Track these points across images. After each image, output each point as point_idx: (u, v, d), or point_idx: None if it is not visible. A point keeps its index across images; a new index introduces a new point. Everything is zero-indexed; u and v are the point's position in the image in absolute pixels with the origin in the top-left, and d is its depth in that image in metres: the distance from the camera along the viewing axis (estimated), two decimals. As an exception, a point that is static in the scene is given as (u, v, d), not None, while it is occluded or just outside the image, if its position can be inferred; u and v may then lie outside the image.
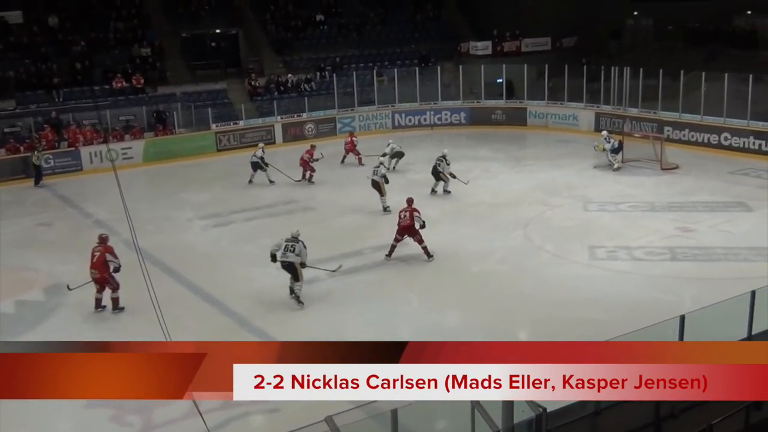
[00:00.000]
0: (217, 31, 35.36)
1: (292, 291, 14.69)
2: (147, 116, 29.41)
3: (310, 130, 31.20)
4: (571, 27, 36.42)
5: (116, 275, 14.29)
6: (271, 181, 24.12)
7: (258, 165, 24.20)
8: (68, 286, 15.01)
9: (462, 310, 14.32)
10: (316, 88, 33.30)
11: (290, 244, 14.58)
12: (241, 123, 30.24)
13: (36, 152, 25.34)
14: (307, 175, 24.23)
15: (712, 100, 26.24)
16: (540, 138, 30.25)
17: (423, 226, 16.59)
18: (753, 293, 10.76)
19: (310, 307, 14.59)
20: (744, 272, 15.04)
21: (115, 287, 14.38)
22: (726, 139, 25.88)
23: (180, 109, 29.94)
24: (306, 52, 35.48)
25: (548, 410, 8.54)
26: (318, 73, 34.07)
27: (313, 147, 24.90)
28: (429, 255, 16.53)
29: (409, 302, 14.82)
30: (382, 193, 20.51)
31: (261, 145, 25.33)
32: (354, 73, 33.00)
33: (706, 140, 26.39)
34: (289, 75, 33.43)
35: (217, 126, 29.69)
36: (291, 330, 13.50)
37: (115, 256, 14.32)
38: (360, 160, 26.11)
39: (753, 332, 10.91)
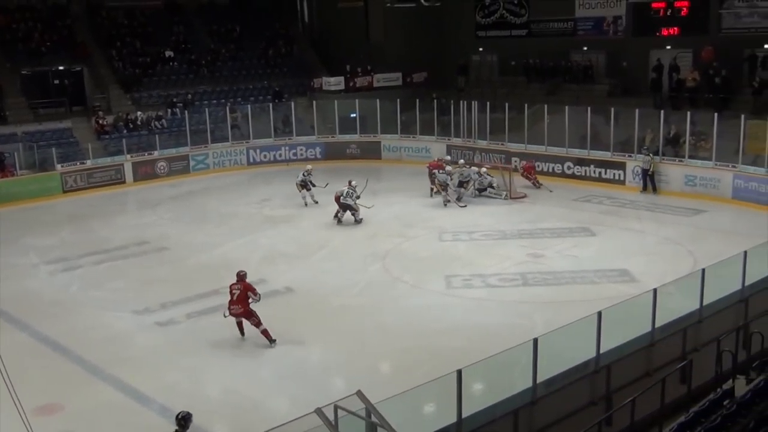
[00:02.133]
0: (61, 67, 34.01)
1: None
2: (-15, 158, 27.83)
3: (162, 168, 30.44)
4: (420, 63, 37.41)
5: None
6: (315, 202, 24.47)
7: (305, 184, 24.49)
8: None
9: (322, 347, 14.23)
10: (167, 125, 32.55)
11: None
12: (89, 162, 29.08)
13: None
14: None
15: (555, 131, 27.57)
16: (394, 171, 30.75)
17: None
18: (599, 314, 11.29)
19: (169, 352, 14.13)
20: (590, 294, 15.76)
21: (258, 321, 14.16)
22: (569, 168, 27.20)
23: (21, 149, 28.51)
24: (155, 88, 34.67)
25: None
26: (169, 110, 33.34)
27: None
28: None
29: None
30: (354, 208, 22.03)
31: (309, 166, 25.62)
32: (206, 109, 32.52)
33: (551, 169, 27.64)
34: (139, 112, 32.53)
35: (62, 166, 28.42)
36: (148, 378, 13.01)
37: (255, 293, 14.23)
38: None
39: (601, 351, 11.44)
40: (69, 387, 12.80)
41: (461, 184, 24.44)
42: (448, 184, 24.05)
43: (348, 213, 22.04)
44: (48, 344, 14.62)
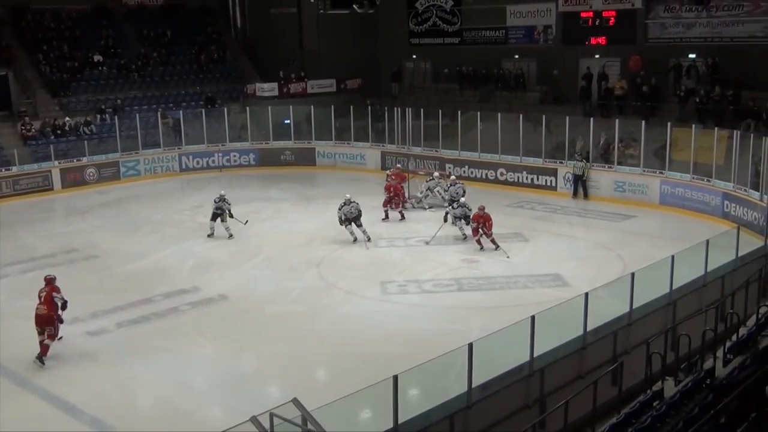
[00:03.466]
0: (-16, 71, 33.03)
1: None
2: None
3: (91, 174, 29.78)
4: (354, 69, 37.47)
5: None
6: (230, 236, 21.44)
7: (221, 212, 21.50)
8: None
9: (257, 355, 14.09)
10: (96, 131, 31.84)
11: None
12: (15, 169, 28.26)
13: None
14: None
15: (488, 138, 27.90)
16: (329, 177, 30.71)
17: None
18: (533, 318, 11.44)
19: (99, 362, 13.83)
20: (524, 299, 15.97)
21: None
22: (502, 174, 27.56)
23: (-58, 155, 27.64)
24: (84, 93, 33.88)
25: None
26: (98, 116, 32.63)
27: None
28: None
29: (202, 350, 14.40)
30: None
31: (222, 191, 21.92)
32: (137, 115, 31.96)
33: (484, 176, 27.97)
34: (67, 118, 31.75)
35: (-14, 172, 27.64)
36: (77, 388, 12.70)
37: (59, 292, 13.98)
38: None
39: (535, 354, 11.59)
40: (-5, 400, 12.42)
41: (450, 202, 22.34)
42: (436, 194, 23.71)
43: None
44: (-30, 357, 14.16)
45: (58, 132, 30.99)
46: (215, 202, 21.53)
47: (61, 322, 13.93)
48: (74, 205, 26.75)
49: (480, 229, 19.57)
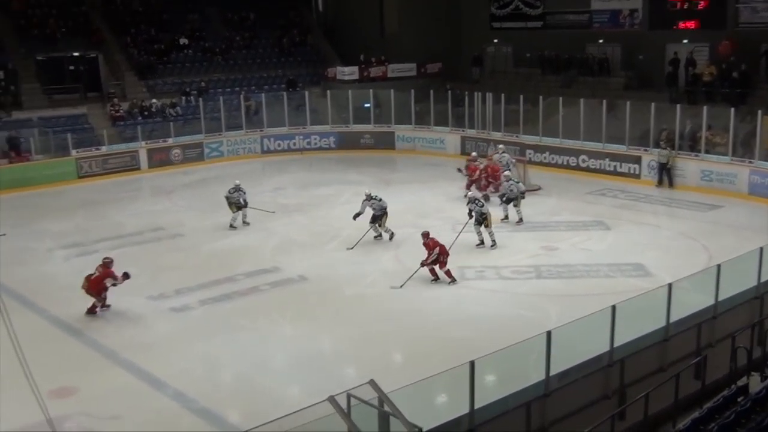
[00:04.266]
0: (75, 54, 34.12)
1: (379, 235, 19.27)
2: (1, 143, 27.96)
3: (176, 155, 30.53)
4: (435, 53, 37.33)
5: None
6: (246, 223, 21.42)
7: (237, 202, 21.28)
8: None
9: (335, 336, 14.26)
10: (181, 112, 32.62)
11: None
12: (104, 149, 29.22)
13: None
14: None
15: (570, 124, 27.47)
16: (408, 161, 30.74)
17: None
18: (613, 308, 11.26)
19: (183, 338, 14.21)
20: (604, 288, 15.72)
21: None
22: (584, 161, 27.10)
23: (37, 134, 28.65)
24: (170, 76, 34.79)
25: (424, 429, 8.64)
26: (183, 98, 33.41)
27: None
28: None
29: (282, 329, 14.64)
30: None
31: (237, 181, 21.65)
32: (221, 97, 32.59)
33: (565, 162, 27.55)
34: (153, 99, 32.63)
35: (77, 152, 28.57)
36: (162, 363, 13.08)
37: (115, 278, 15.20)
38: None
39: (615, 345, 11.42)
40: (83, 370, 12.89)
41: (508, 201, 21.19)
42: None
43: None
44: (62, 328, 14.75)
45: (145, 113, 31.86)
46: (230, 193, 21.17)
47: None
48: (160, 185, 27.49)
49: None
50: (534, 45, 34.61)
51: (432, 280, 16.60)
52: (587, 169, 26.94)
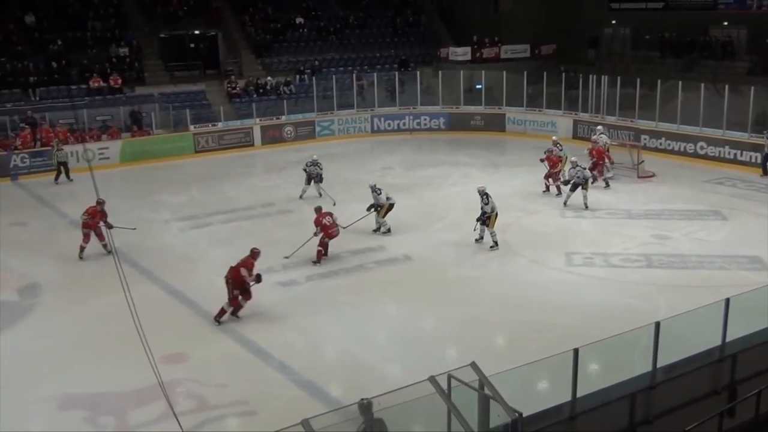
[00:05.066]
0: (196, 32, 35.18)
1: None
2: (124, 117, 29.19)
3: (288, 133, 31.14)
4: (549, 35, 36.66)
5: None
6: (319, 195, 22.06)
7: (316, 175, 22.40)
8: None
9: (438, 316, 14.31)
10: (295, 91, 33.21)
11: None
12: (220, 125, 30.11)
13: (55, 150, 25.35)
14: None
15: (689, 109, 26.49)
16: (518, 144, 30.37)
17: None
18: (727, 301, 10.87)
19: (289, 312, 14.55)
20: (718, 280, 15.21)
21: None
22: (702, 148, 26.12)
23: (158, 109, 29.76)
24: (285, 54, 35.43)
25: (524, 414, 8.58)
26: (297, 76, 34.00)
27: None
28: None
29: (386, 307, 14.81)
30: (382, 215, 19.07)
31: (315, 156, 22.75)
32: (333, 76, 32.99)
33: (682, 149, 26.63)
34: (268, 77, 33.35)
35: (195, 127, 29.54)
36: (268, 335, 13.45)
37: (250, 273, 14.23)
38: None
39: (727, 339, 11.03)
40: (195, 338, 13.40)
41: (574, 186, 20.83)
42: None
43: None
44: (177, 297, 15.35)
45: (260, 91, 32.61)
46: (307, 165, 22.31)
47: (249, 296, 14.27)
48: (272, 161, 28.12)
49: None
50: (654, 27, 33.49)
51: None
52: (705, 157, 25.97)
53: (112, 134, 28.26)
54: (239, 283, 14.07)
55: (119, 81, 30.54)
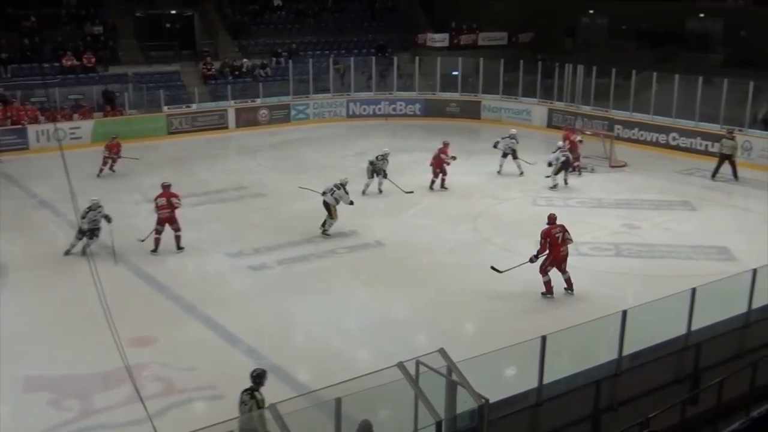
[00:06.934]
0: (172, 12, 34.84)
1: (323, 225, 17.38)
2: (97, 96, 28.85)
3: (263, 116, 30.96)
4: (527, 22, 36.70)
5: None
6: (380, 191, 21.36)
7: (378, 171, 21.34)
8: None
9: (409, 303, 14.32)
10: (271, 74, 32.98)
11: (332, 188, 17.45)
12: (194, 106, 29.85)
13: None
14: (439, 180, 21.68)
15: (663, 100, 26.66)
16: (493, 132, 30.21)
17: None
18: (693, 290, 10.99)
19: (259, 296, 14.51)
20: (686, 270, 15.36)
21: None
22: (674, 139, 26.32)
23: (131, 89, 29.45)
24: (262, 37, 35.16)
25: (491, 401, 8.64)
26: (273, 59, 33.78)
27: (446, 145, 21.99)
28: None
29: (357, 293, 14.80)
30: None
31: (386, 149, 21.84)
32: (310, 60, 32.79)
33: (654, 140, 26.82)
34: (244, 60, 33.11)
35: (168, 108, 29.26)
36: (237, 319, 13.40)
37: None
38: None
39: (692, 328, 11.15)
40: (163, 321, 13.33)
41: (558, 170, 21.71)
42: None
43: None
44: (146, 280, 15.24)
45: (236, 73, 32.37)
46: (377, 159, 21.23)
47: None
48: (246, 144, 27.98)
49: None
50: (631, 17, 33.62)
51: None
52: (677, 148, 26.18)
53: (84, 114, 27.90)
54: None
55: (93, 60, 30.16)
